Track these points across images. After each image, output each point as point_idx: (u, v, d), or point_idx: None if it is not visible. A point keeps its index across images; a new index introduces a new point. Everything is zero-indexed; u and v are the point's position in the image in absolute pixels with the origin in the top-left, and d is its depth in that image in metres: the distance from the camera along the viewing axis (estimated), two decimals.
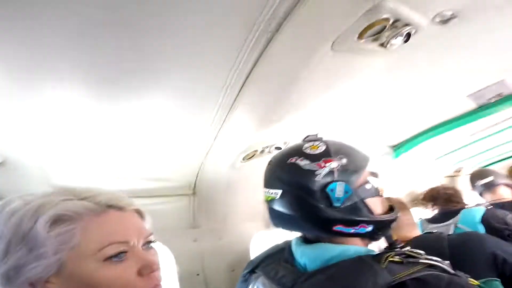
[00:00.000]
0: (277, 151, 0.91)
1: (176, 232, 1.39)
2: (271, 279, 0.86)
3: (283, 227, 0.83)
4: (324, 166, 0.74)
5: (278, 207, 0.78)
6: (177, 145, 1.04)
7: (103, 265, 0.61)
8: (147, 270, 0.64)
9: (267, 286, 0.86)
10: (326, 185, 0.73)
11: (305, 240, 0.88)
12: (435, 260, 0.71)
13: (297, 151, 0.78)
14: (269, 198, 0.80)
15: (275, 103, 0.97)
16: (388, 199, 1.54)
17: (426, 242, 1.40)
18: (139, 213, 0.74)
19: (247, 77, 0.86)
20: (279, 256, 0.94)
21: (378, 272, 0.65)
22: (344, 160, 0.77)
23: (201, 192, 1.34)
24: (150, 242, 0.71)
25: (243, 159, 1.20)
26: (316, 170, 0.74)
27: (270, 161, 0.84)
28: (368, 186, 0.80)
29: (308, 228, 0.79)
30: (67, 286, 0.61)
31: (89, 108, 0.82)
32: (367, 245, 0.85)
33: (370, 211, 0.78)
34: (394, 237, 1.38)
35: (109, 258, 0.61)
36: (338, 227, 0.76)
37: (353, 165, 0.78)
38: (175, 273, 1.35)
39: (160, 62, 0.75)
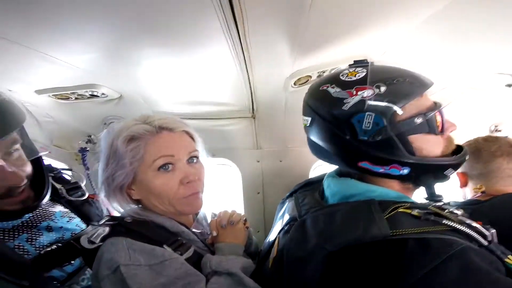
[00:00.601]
0: None
1: (242, 152, 1.50)
2: (297, 204, 0.86)
3: (317, 156, 0.79)
4: (355, 95, 0.63)
5: (310, 135, 0.74)
6: (227, 70, 1.03)
7: (156, 174, 0.77)
8: (187, 180, 0.79)
9: (290, 211, 0.87)
10: (353, 115, 0.63)
11: (340, 174, 0.81)
12: (469, 226, 0.54)
13: (333, 78, 0.69)
14: (304, 125, 0.76)
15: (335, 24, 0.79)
16: (477, 140, 1.16)
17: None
18: (188, 133, 0.86)
19: None
20: (318, 184, 0.93)
21: (375, 221, 0.56)
22: (383, 89, 0.61)
23: (260, 115, 1.33)
24: (195, 157, 0.83)
25: (294, 83, 1.10)
26: (345, 98, 0.63)
27: (309, 87, 0.78)
28: (418, 120, 0.61)
29: (335, 161, 0.72)
30: (140, 191, 0.81)
31: (169, 57, 0.94)
32: (408, 191, 0.70)
33: (411, 150, 0.62)
34: (482, 188, 1.08)
35: (160, 168, 0.76)
36: (364, 164, 0.65)
37: (395, 94, 0.61)
38: (241, 189, 1.53)
39: None
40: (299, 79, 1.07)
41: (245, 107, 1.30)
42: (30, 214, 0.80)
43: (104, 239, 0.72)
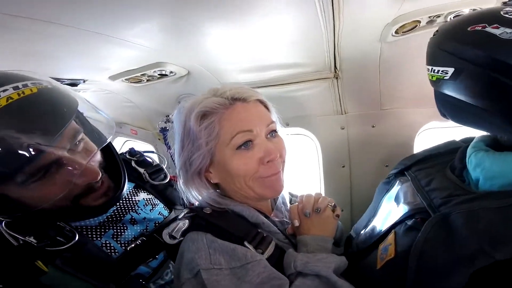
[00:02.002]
0: None
1: (321, 119, 1.28)
2: (418, 188, 0.67)
3: (455, 120, 0.63)
4: None
5: (449, 90, 0.59)
6: (305, 20, 0.83)
7: (235, 153, 0.68)
8: (267, 159, 0.68)
9: (409, 197, 0.67)
10: None
11: (494, 144, 0.62)
12: None
13: (489, 16, 0.53)
14: (435, 78, 0.61)
15: None
16: None
17: None
18: (262, 103, 0.75)
19: None
20: (447, 159, 0.73)
21: None
22: None
23: (346, 73, 1.08)
24: (274, 131, 0.73)
25: (396, 32, 0.86)
26: None
27: (436, 31, 0.63)
28: None
29: (498, 126, 0.55)
30: (218, 173, 0.73)
31: (236, 23, 0.87)
32: None
33: None
34: None
35: (239, 147, 0.67)
36: None
37: None
38: (321, 163, 1.34)
39: None
40: (403, 26, 0.85)
41: (325, 67, 1.07)
42: (114, 207, 0.77)
43: (184, 233, 0.68)
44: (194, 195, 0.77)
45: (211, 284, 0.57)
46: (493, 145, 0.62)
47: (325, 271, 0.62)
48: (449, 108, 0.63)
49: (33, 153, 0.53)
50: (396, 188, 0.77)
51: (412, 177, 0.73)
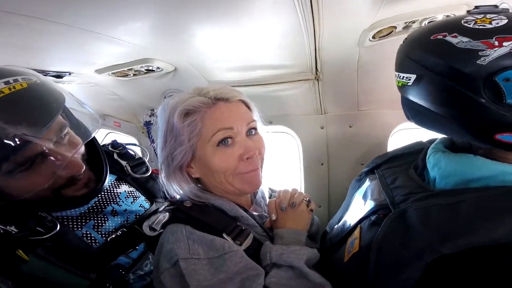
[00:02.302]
0: None
1: (303, 118, 1.34)
2: (384, 186, 0.72)
3: (417, 123, 0.66)
4: (498, 46, 0.47)
5: (411, 96, 0.61)
6: (287, 24, 0.87)
7: (216, 150, 0.72)
8: (247, 155, 0.72)
9: (375, 194, 0.72)
10: (497, 72, 0.48)
11: (451, 146, 0.65)
12: None
13: (451, 25, 0.55)
14: (400, 84, 0.63)
15: None
16: None
17: None
18: (245, 103, 0.79)
19: None
20: (412, 159, 0.77)
21: None
22: None
23: (326, 75, 1.14)
24: (253, 128, 0.76)
25: (373, 37, 0.90)
26: (481, 51, 0.48)
27: (405, 38, 0.65)
28: None
29: (454, 130, 0.57)
30: (199, 169, 0.77)
31: (221, 21, 0.88)
32: None
33: None
34: None
35: (219, 143, 0.71)
36: (504, 136, 0.49)
37: None
38: (301, 160, 1.39)
39: None
40: (380, 31, 0.89)
41: (307, 68, 1.12)
42: (96, 199, 0.79)
43: (165, 225, 0.70)
44: (175, 188, 0.80)
45: (189, 273, 0.59)
46: (450, 147, 0.66)
47: (297, 262, 0.66)
48: (412, 113, 0.65)
49: (20, 143, 0.56)
50: (365, 185, 0.82)
51: (380, 175, 0.77)
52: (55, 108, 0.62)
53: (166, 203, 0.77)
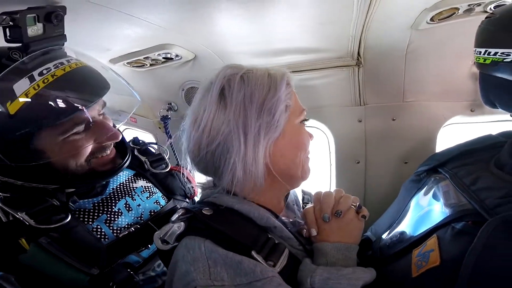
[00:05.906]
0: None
1: (337, 110, 1.20)
2: (462, 187, 0.59)
3: (504, 106, 0.61)
4: None
5: (506, 74, 0.56)
6: (336, 1, 0.74)
7: (301, 126, 0.67)
8: (311, 139, 0.70)
9: (452, 198, 0.60)
10: None
11: None
12: None
13: None
14: (489, 61, 0.58)
15: None
16: None
17: None
18: None
19: None
20: (487, 155, 0.67)
21: None
22: None
23: (368, 61, 1.00)
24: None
25: (431, 19, 0.83)
26: None
27: (491, 13, 0.62)
28: None
29: None
30: (280, 148, 0.63)
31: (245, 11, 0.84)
32: None
33: None
34: None
35: (302, 121, 0.67)
36: None
37: None
38: (333, 158, 1.25)
39: None
40: (440, 13, 0.81)
41: (347, 53, 0.99)
42: (110, 190, 0.80)
43: (179, 237, 0.58)
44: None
45: None
46: None
47: None
48: (501, 92, 0.59)
49: (80, 107, 0.65)
50: (430, 186, 0.69)
51: (451, 175, 0.65)
52: (105, 87, 0.72)
53: (181, 211, 0.63)
